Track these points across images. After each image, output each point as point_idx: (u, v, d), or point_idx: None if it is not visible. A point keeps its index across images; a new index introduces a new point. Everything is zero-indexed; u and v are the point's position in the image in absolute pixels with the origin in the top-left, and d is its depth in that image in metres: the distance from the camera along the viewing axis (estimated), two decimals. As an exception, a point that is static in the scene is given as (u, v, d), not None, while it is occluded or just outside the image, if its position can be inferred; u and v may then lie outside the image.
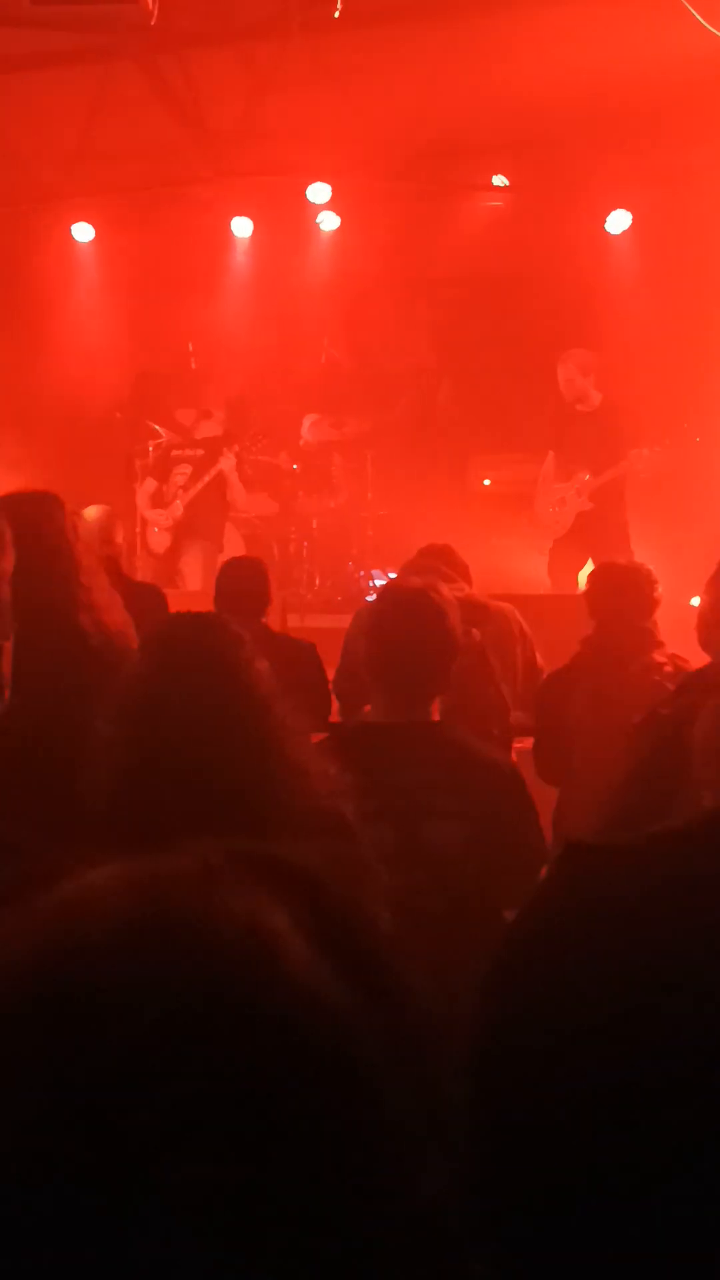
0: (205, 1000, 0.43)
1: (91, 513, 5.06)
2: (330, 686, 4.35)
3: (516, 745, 3.82)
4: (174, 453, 8.82)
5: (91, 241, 9.11)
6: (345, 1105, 0.42)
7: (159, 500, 8.69)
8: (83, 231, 9.05)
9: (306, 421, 9.24)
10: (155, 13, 5.56)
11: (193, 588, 8.21)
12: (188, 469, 8.71)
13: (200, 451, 8.76)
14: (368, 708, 3.04)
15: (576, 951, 0.49)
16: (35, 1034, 0.42)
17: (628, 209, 8.45)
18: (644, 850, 0.61)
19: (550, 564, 7.65)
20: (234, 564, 4.85)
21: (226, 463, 8.48)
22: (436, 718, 2.62)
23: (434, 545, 4.39)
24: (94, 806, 1.86)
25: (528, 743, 3.94)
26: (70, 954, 0.44)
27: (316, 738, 3.27)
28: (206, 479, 8.52)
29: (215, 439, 8.76)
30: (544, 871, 1.04)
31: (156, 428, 8.96)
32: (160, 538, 8.64)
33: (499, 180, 8.83)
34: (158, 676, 2.02)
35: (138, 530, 8.48)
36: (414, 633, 2.59)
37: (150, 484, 8.63)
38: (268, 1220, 0.40)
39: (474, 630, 3.61)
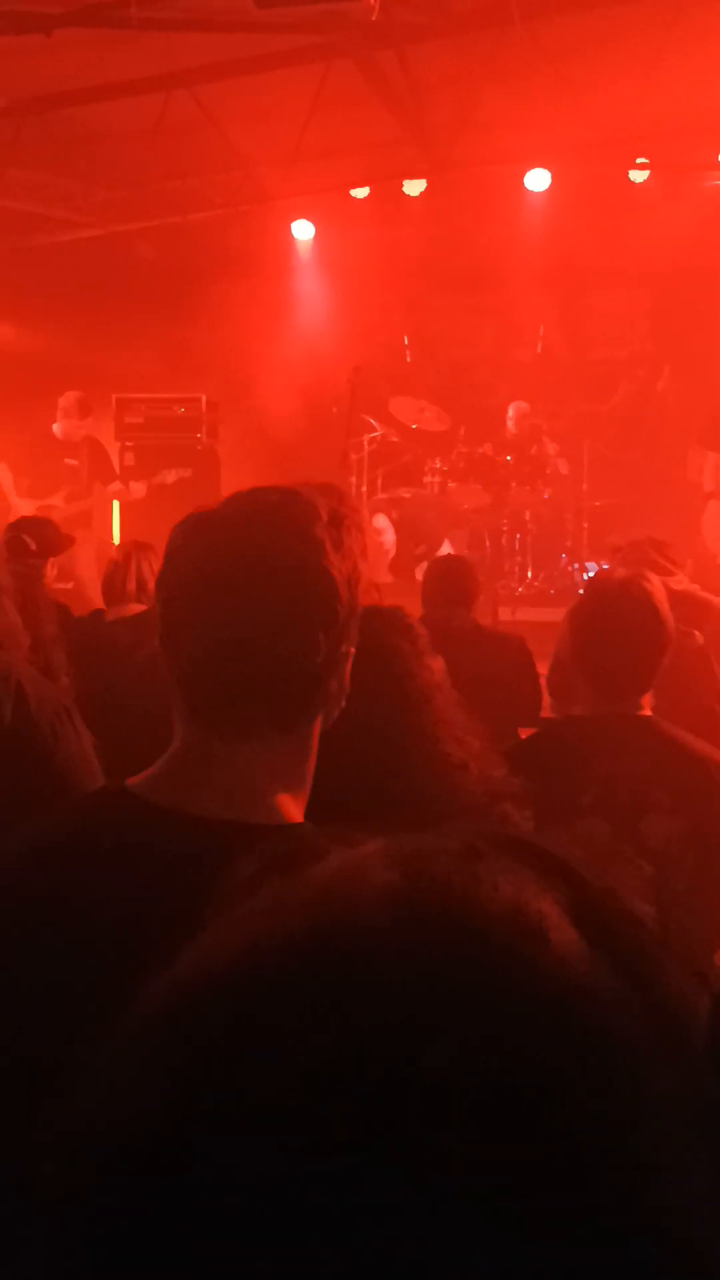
0: (475, 973, 0.44)
1: None
2: (542, 680, 4.30)
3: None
4: (393, 439, 8.89)
5: (311, 239, 9.28)
6: (608, 1089, 0.42)
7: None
8: (302, 229, 9.23)
9: (517, 410, 9.16)
10: (376, 8, 5.61)
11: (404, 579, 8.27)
12: (405, 459, 8.79)
13: (407, 459, 8.84)
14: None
15: None
16: (309, 996, 0.43)
17: None
18: None
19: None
20: (440, 561, 4.86)
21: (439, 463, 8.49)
22: (647, 712, 2.55)
23: (650, 537, 4.28)
24: None
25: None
26: (345, 922, 0.46)
27: (525, 732, 3.24)
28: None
29: (435, 435, 8.80)
30: None
31: (371, 421, 9.05)
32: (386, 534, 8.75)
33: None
34: None
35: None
36: (621, 624, 2.53)
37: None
38: (523, 1196, 0.40)
39: (695, 632, 3.50)
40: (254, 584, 1.29)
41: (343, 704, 1.41)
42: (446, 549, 8.76)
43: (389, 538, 8.75)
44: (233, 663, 1.30)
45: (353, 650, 1.38)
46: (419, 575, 8.44)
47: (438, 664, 1.99)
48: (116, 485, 8.38)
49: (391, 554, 8.71)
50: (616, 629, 2.53)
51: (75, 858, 1.32)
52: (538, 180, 8.46)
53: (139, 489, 8.57)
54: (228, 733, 1.32)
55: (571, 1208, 0.40)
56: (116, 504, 9.08)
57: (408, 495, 9.04)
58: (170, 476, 8.68)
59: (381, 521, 8.79)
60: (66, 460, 8.19)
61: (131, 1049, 0.46)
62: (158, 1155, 0.43)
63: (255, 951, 0.46)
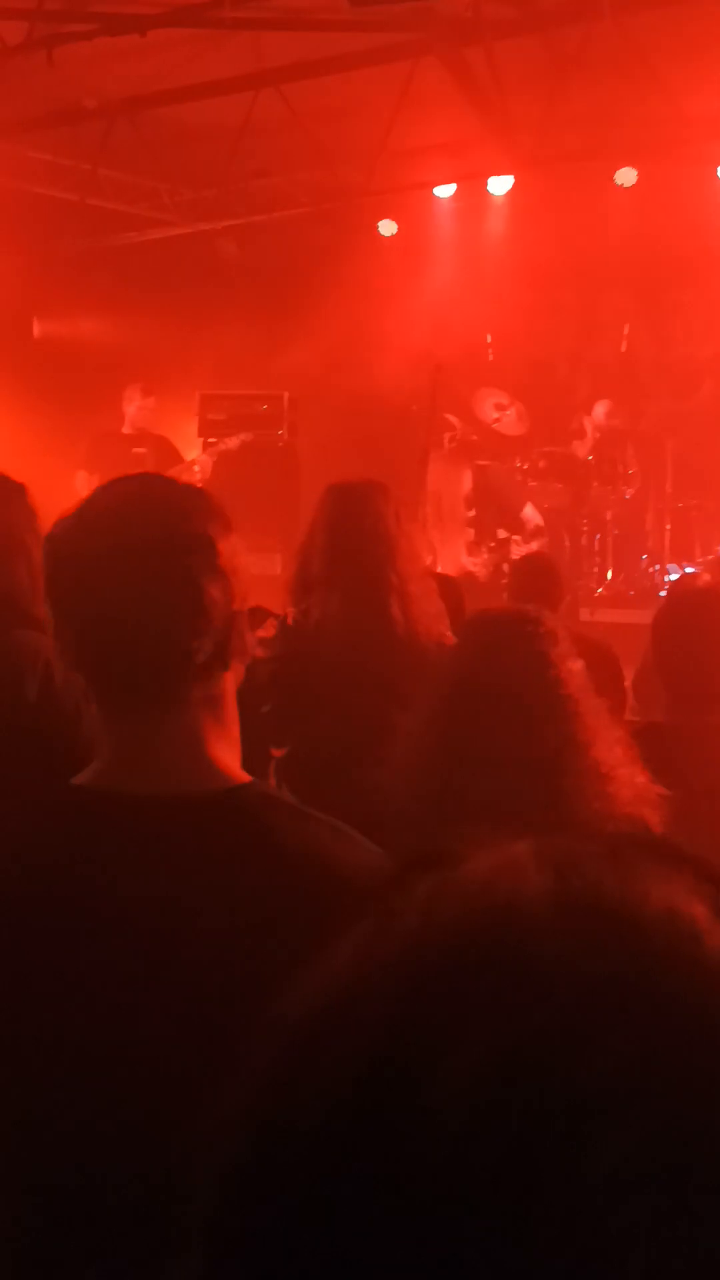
0: (639, 975, 0.44)
1: None
2: (627, 684, 4.26)
3: None
4: (473, 438, 8.87)
5: (395, 236, 9.29)
6: None
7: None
8: (387, 227, 9.23)
9: (601, 410, 9.07)
10: (467, 4, 5.59)
11: (484, 577, 8.25)
12: (470, 475, 8.77)
13: (486, 462, 8.81)
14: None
15: None
16: (476, 995, 0.44)
17: None
18: None
19: None
20: (527, 560, 4.84)
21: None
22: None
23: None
24: (398, 790, 1.90)
25: None
26: (506, 922, 0.46)
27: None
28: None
29: (516, 439, 8.76)
30: None
31: (451, 419, 9.03)
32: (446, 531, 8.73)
33: None
34: (471, 668, 2.04)
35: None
36: (703, 632, 2.51)
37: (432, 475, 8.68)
38: (692, 1208, 0.40)
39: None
40: (130, 560, 1.32)
41: (250, 655, 1.44)
42: (531, 516, 8.69)
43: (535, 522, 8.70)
44: (133, 651, 1.33)
45: (246, 604, 1.40)
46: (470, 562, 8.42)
47: (579, 667, 1.99)
48: (180, 466, 8.49)
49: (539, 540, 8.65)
50: (697, 637, 2.51)
51: (50, 860, 1.35)
52: (626, 177, 8.37)
53: (205, 462, 8.69)
54: (146, 709, 1.35)
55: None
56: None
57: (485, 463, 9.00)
58: (233, 443, 8.78)
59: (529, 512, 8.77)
60: (134, 450, 8.33)
61: (290, 1045, 0.47)
62: (319, 1155, 0.43)
63: (417, 948, 0.46)
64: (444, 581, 4.79)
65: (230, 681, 1.40)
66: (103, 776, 1.39)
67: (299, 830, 1.33)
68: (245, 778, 1.39)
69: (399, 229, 9.22)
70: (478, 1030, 0.43)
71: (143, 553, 1.33)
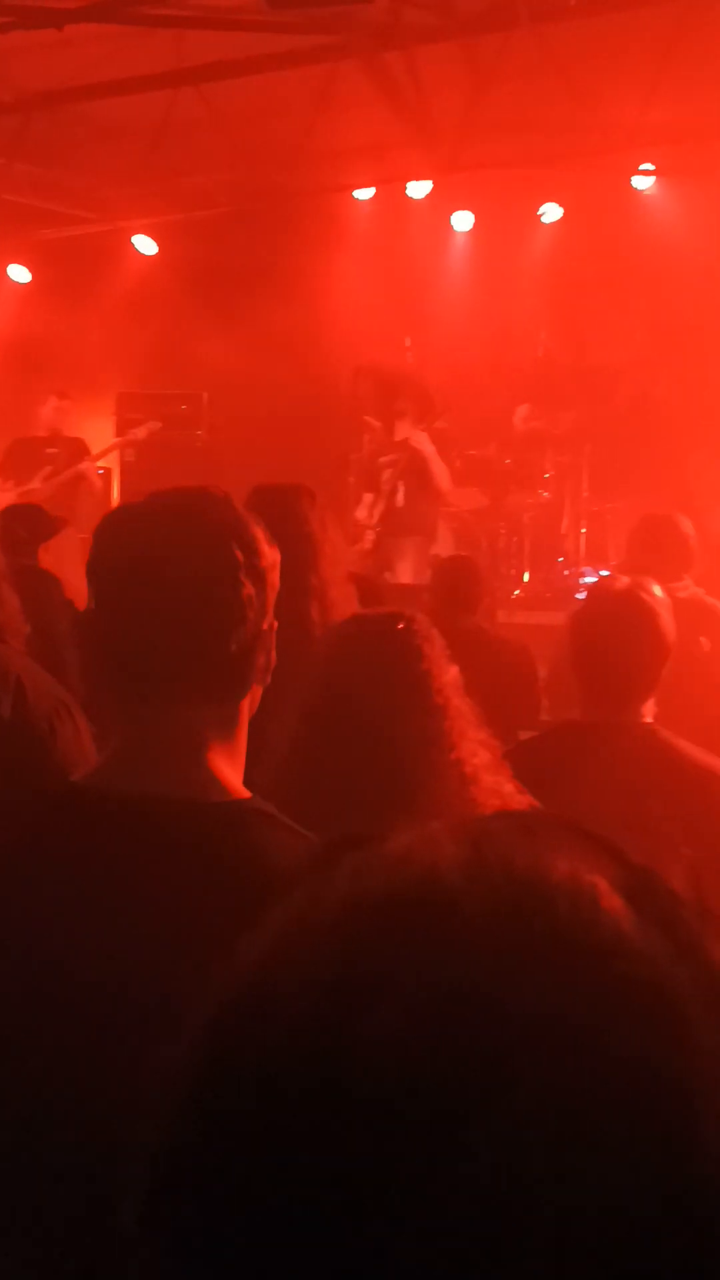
0: (546, 932, 0.49)
1: None
2: (541, 685, 4.31)
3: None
4: (380, 459, 8.91)
5: (315, 238, 9.28)
6: (668, 1042, 0.47)
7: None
8: (308, 229, 9.22)
9: (519, 414, 9.16)
10: (385, 9, 5.61)
11: (403, 580, 8.27)
12: (389, 474, 8.78)
13: (395, 455, 8.83)
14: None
15: None
16: (407, 951, 0.48)
17: None
18: None
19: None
20: (449, 562, 4.87)
21: (421, 443, 8.40)
22: (648, 720, 2.56)
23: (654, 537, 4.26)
24: (268, 790, 1.92)
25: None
26: (427, 887, 0.50)
27: (525, 735, 3.26)
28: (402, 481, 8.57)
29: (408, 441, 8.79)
30: None
31: (371, 421, 9.05)
32: (366, 535, 8.74)
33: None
34: (337, 668, 2.06)
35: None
36: (620, 632, 2.55)
37: (367, 497, 8.71)
38: (592, 1143, 0.44)
39: (702, 639, 3.51)
40: (173, 571, 1.37)
41: (268, 678, 1.48)
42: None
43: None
44: (161, 645, 1.36)
45: (276, 625, 1.45)
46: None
47: (454, 671, 2.01)
48: (87, 462, 8.46)
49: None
50: (614, 636, 2.55)
51: (48, 858, 1.35)
52: (541, 185, 8.47)
53: (110, 458, 8.67)
54: (159, 707, 1.37)
55: (621, 1148, 0.45)
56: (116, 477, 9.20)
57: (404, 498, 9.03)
58: (141, 432, 8.77)
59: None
60: (47, 450, 8.31)
61: (226, 1008, 0.50)
62: (260, 1112, 0.46)
63: (347, 913, 0.50)
64: (365, 585, 4.81)
65: (246, 706, 1.43)
66: (99, 772, 1.41)
67: (294, 851, 1.32)
68: (245, 794, 1.39)
69: (318, 231, 9.22)
70: (404, 986, 0.47)
71: (187, 553, 1.37)
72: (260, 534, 1.43)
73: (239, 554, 1.38)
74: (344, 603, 2.92)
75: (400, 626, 2.05)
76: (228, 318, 8.81)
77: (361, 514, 8.67)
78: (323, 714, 2.00)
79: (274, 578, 1.43)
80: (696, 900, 0.53)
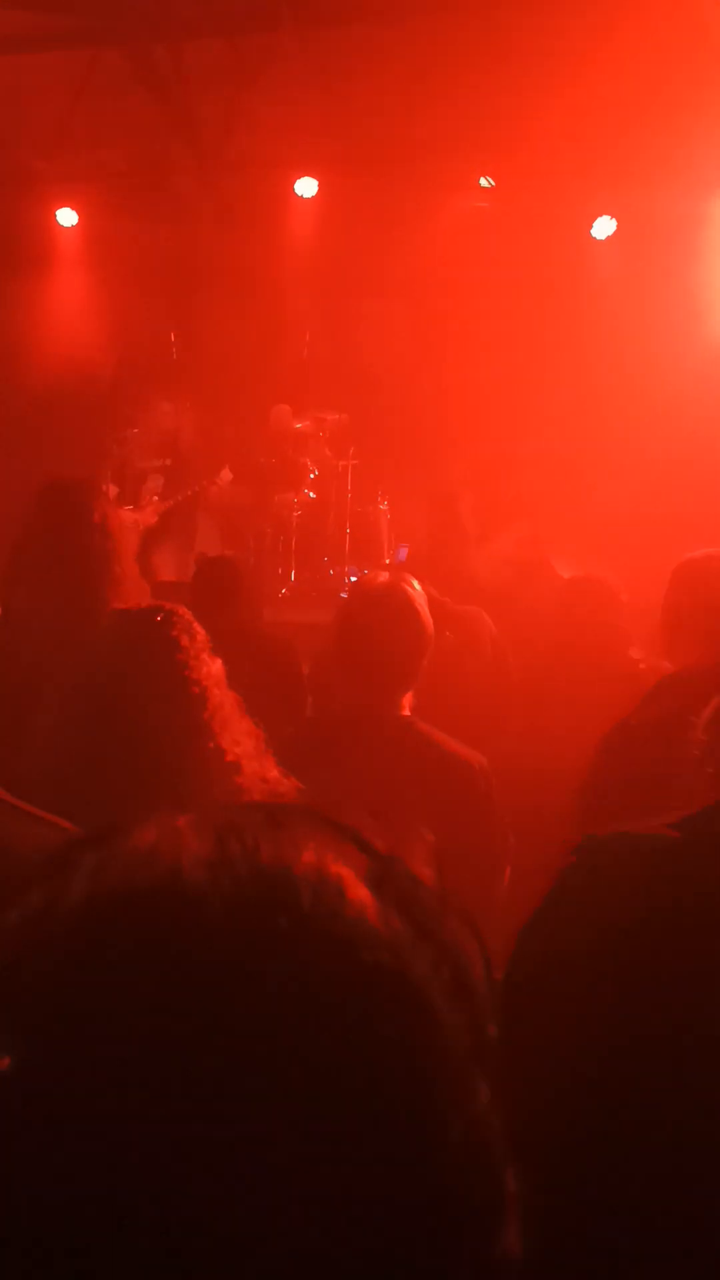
0: (289, 926, 0.49)
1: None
2: (306, 681, 4.34)
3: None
4: (139, 465, 8.79)
5: (75, 226, 9.06)
6: (412, 1029, 0.48)
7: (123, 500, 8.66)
8: (66, 216, 8.99)
9: (283, 414, 9.22)
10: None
11: (165, 578, 8.18)
12: (159, 480, 8.68)
13: (169, 462, 8.75)
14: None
15: (594, 926, 0.60)
16: (133, 962, 0.48)
17: (613, 215, 8.47)
18: (653, 840, 0.65)
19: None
20: (211, 563, 4.85)
21: (223, 478, 8.43)
22: (407, 712, 2.62)
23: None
24: (31, 781, 1.90)
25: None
26: (166, 886, 0.50)
27: (288, 730, 3.28)
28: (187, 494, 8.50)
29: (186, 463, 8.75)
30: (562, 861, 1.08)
31: (135, 416, 8.92)
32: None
33: (485, 182, 8.83)
34: (103, 660, 2.08)
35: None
36: (382, 626, 2.60)
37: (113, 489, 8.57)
38: (335, 1131, 0.45)
39: (447, 633, 3.61)
40: None
41: None
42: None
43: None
44: None
45: None
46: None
47: (216, 664, 2.03)
48: None
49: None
50: (376, 633, 2.60)
51: None
52: (306, 187, 8.54)
53: None
54: None
55: (370, 1131, 0.46)
56: None
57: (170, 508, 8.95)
58: None
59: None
60: None
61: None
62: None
63: (82, 921, 0.50)
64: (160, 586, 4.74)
65: None
66: None
67: (36, 840, 1.31)
68: None
69: (79, 219, 8.99)
70: (145, 983, 0.47)
71: None
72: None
73: None
74: (141, 596, 2.90)
75: (159, 619, 2.06)
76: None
77: (124, 509, 8.52)
78: (83, 704, 2.01)
79: None
80: (437, 884, 0.55)
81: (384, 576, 2.90)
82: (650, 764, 2.25)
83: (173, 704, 1.95)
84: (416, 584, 2.79)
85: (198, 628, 2.10)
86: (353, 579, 8.46)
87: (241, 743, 1.98)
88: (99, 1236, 0.43)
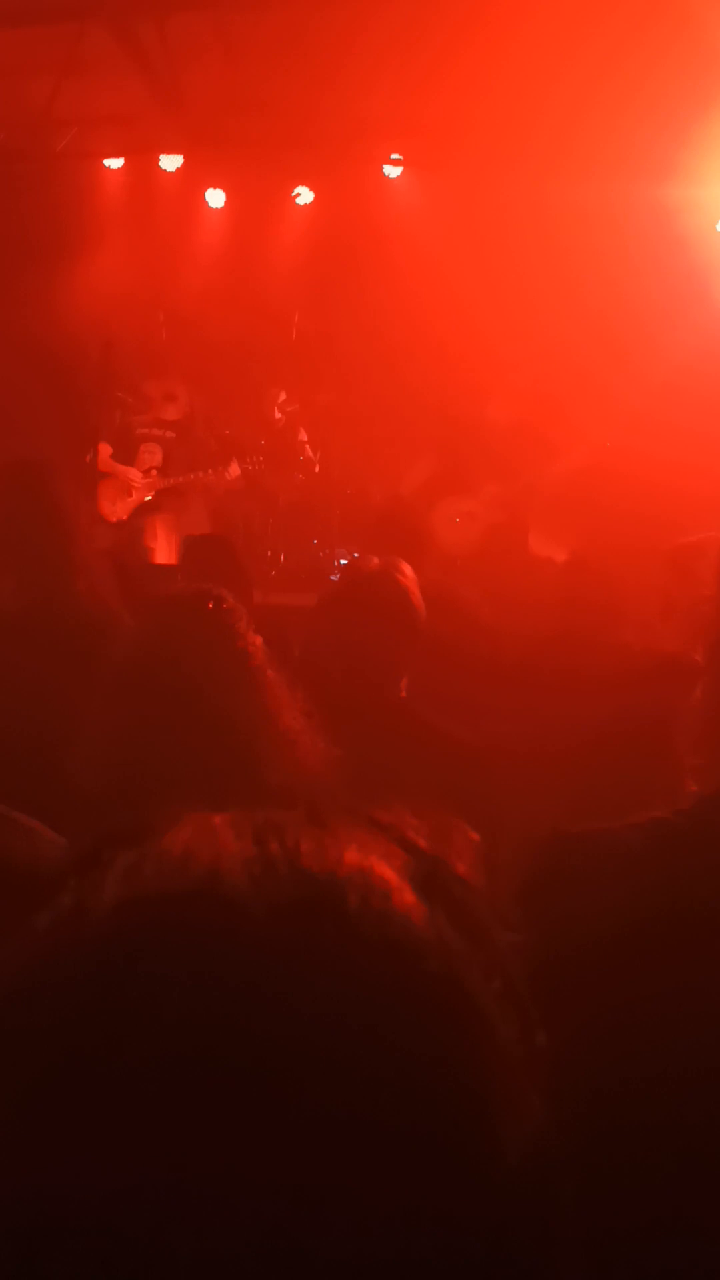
0: (334, 931, 0.47)
1: None
2: (297, 664, 4.33)
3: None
4: (140, 430, 8.74)
5: (66, 206, 8.98)
6: (464, 1039, 0.46)
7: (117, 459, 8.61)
8: (59, 195, 8.91)
9: (274, 396, 9.17)
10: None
11: (159, 560, 8.15)
12: (156, 449, 8.63)
13: (170, 434, 8.69)
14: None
15: (568, 919, 0.54)
16: (170, 968, 0.46)
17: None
18: (623, 835, 0.65)
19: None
20: (202, 542, 4.82)
21: (231, 472, 8.42)
22: (403, 695, 2.62)
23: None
24: (84, 774, 1.87)
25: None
26: (204, 890, 0.48)
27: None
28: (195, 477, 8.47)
29: (181, 422, 8.69)
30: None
31: (122, 396, 8.87)
32: (118, 508, 8.56)
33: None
34: (155, 646, 2.03)
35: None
36: (375, 611, 2.60)
37: (107, 449, 8.51)
38: (390, 1128, 0.43)
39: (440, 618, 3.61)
40: None
41: None
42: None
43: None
44: None
45: None
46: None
47: (260, 641, 2.02)
48: None
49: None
50: (368, 617, 2.59)
51: None
52: (297, 166, 8.47)
53: None
54: None
55: (422, 1150, 0.43)
56: None
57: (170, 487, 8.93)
58: None
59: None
60: None
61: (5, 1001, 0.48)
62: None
63: (125, 912, 0.48)
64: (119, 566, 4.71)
65: None
66: None
67: (24, 849, 1.29)
68: None
69: (69, 199, 8.92)
70: (176, 1001, 0.44)
71: None
72: None
73: None
74: (106, 578, 2.88)
75: (211, 605, 2.04)
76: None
77: (117, 489, 8.51)
78: (144, 694, 1.95)
79: None
80: (485, 886, 0.53)
81: (375, 561, 2.90)
82: (637, 753, 2.26)
83: (240, 689, 1.92)
84: (407, 567, 2.79)
85: (240, 609, 2.08)
86: (342, 561, 8.44)
87: (299, 719, 1.97)
88: (140, 1240, 0.42)
